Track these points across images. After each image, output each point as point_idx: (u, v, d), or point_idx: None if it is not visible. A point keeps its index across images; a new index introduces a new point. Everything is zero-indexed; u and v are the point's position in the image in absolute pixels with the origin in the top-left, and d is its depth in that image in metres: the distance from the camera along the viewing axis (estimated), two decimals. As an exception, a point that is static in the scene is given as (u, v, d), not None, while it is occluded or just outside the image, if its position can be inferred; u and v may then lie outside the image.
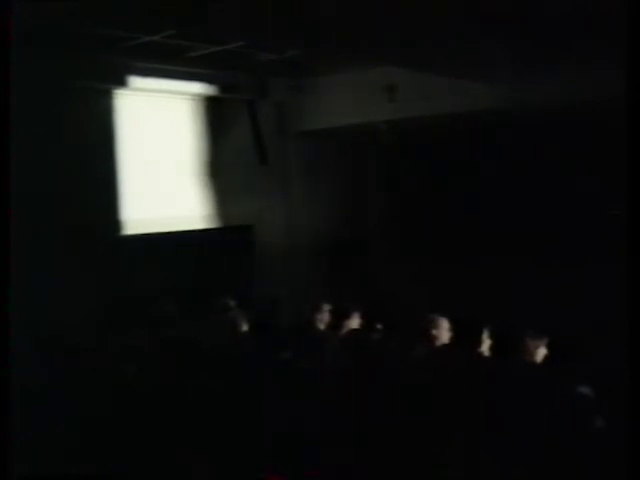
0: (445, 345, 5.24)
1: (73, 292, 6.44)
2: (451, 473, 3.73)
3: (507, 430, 3.84)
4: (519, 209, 7.89)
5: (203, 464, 4.14)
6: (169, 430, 4.39)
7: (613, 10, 4.47)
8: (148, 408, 4.61)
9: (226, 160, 8.45)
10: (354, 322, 6.00)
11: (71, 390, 4.68)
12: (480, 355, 4.88)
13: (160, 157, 7.80)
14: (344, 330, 5.82)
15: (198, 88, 7.91)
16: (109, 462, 4.17)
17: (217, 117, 8.43)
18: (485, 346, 4.95)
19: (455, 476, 3.72)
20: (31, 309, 5.32)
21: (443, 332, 5.39)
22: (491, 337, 4.97)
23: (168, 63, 7.25)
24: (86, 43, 6.27)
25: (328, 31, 5.20)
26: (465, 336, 5.08)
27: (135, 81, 7.21)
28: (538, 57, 6.35)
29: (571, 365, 4.67)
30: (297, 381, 4.66)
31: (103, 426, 4.45)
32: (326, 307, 6.45)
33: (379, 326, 6.03)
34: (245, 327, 6.27)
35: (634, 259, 2.95)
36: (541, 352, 4.85)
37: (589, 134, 7.15)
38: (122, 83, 7.16)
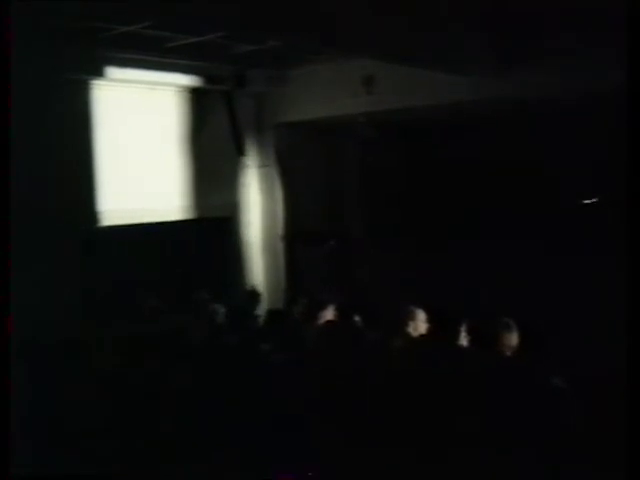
0: (423, 336, 5.26)
1: (51, 286, 6.37)
2: (431, 463, 3.75)
3: (488, 421, 3.88)
4: (500, 201, 7.93)
5: (191, 460, 4.14)
6: (155, 425, 4.39)
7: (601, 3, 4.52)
8: (131, 402, 4.60)
9: (204, 152, 8.41)
10: (331, 313, 6.01)
11: (59, 388, 4.66)
12: (458, 346, 4.91)
13: (137, 148, 7.74)
14: (321, 321, 5.82)
15: (176, 79, 7.84)
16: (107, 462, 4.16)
17: (195, 108, 8.38)
18: (463, 337, 4.97)
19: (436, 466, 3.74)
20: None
21: (421, 324, 5.41)
22: (470, 328, 5.00)
23: (146, 54, 7.18)
24: (63, 34, 6.20)
25: (307, 22, 5.18)
26: (443, 327, 5.11)
27: (112, 72, 7.12)
28: (519, 49, 6.37)
29: (548, 356, 4.71)
30: (275, 372, 4.67)
31: (91, 424, 4.44)
32: (304, 299, 6.46)
33: (356, 318, 6.04)
34: (223, 319, 6.26)
35: (629, 255, 2.96)
36: (519, 343, 4.88)
37: (571, 127, 7.21)
38: (99, 74, 7.07)
